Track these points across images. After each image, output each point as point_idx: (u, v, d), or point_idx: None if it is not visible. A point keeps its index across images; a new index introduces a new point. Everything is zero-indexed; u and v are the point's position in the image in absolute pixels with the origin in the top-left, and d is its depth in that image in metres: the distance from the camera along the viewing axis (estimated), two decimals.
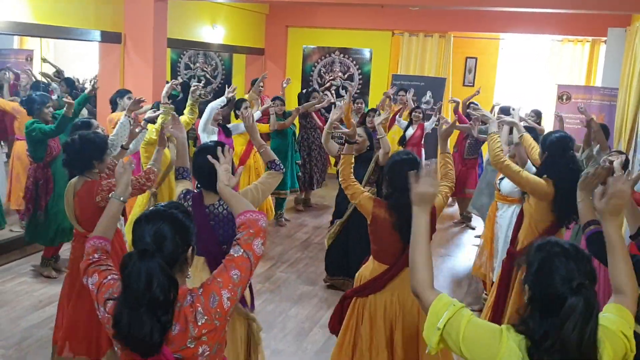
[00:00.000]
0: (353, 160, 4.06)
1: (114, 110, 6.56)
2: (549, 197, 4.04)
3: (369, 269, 3.92)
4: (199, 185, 3.65)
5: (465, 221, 8.95)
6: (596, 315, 1.91)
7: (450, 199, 8.97)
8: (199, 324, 2.11)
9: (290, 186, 8.31)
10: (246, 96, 8.31)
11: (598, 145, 5.78)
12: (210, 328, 2.14)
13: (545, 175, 4.10)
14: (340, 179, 4.03)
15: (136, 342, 2.00)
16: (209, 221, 3.51)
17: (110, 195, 2.79)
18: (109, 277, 2.29)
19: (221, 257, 3.51)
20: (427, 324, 2.06)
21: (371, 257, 3.96)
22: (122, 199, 2.72)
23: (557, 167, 4.07)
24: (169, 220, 2.17)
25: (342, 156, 4.10)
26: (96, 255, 2.42)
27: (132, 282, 2.01)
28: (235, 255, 2.27)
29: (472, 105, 6.28)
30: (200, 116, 6.57)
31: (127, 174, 2.81)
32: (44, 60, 10.67)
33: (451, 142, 9.76)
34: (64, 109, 5.68)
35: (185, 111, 5.95)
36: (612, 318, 2.06)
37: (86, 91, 6.20)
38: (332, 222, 6.19)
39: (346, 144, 4.18)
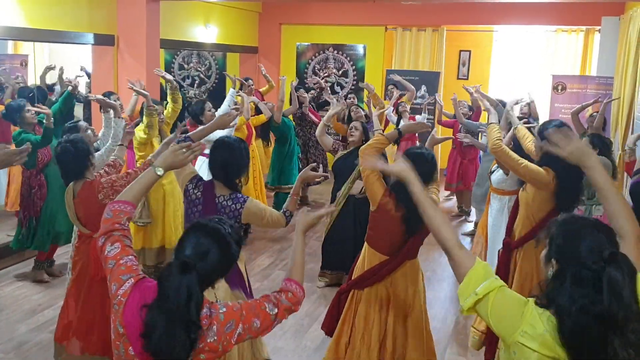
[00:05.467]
0: (382, 146, 3.99)
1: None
2: (549, 187, 3.99)
3: (364, 258, 3.91)
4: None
5: (463, 214, 8.94)
6: (636, 276, 1.88)
7: (448, 193, 9.05)
8: (208, 340, 2.08)
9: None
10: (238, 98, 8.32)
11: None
12: (213, 349, 2.10)
13: (544, 166, 4.06)
14: (361, 150, 3.97)
15: (164, 355, 2.00)
16: (217, 210, 3.54)
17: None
18: (130, 257, 2.23)
19: None
20: (465, 286, 2.04)
21: (365, 245, 3.95)
22: (157, 170, 2.49)
23: (559, 158, 4.00)
24: (222, 247, 2.16)
25: (377, 134, 4.06)
26: (126, 223, 2.33)
27: (172, 295, 1.99)
28: (267, 311, 2.26)
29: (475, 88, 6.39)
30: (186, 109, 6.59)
31: (172, 148, 2.59)
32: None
33: (449, 142, 9.86)
34: (44, 119, 5.68)
35: (168, 100, 5.94)
36: None
37: (69, 89, 6.17)
38: None
39: (383, 135, 4.08)
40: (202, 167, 6.50)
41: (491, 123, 4.31)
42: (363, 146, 3.99)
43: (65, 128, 5.15)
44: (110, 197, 3.87)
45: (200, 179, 3.73)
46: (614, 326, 1.83)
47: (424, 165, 3.66)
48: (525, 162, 3.96)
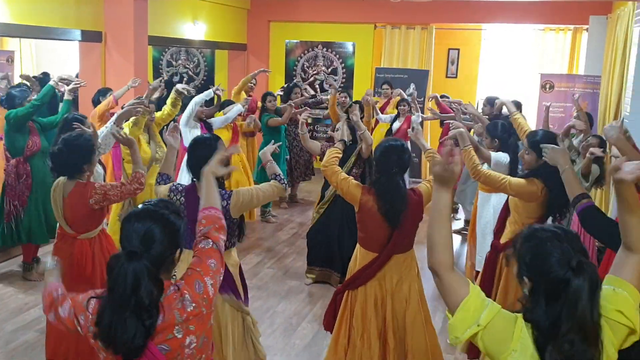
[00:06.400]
0: (339, 155, 4.07)
1: None
2: (538, 199, 3.94)
3: (357, 258, 3.92)
4: (194, 179, 3.63)
5: (452, 212, 8.94)
6: (600, 289, 1.89)
7: None
8: (188, 309, 2.11)
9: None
10: (234, 90, 8.29)
11: (581, 135, 5.85)
12: (197, 314, 2.14)
13: (531, 177, 4.01)
14: (323, 167, 4.00)
15: (118, 344, 2.00)
16: None
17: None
18: (81, 295, 2.27)
19: None
20: (462, 317, 1.93)
21: (358, 245, 3.96)
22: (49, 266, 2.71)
23: (547, 165, 3.95)
24: (159, 221, 2.16)
25: (329, 149, 4.09)
26: (59, 297, 2.40)
27: (119, 284, 2.00)
28: (207, 247, 2.30)
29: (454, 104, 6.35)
30: (183, 111, 6.56)
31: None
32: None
33: (438, 136, 9.88)
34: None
35: (168, 102, 5.94)
36: (609, 293, 1.99)
37: (64, 91, 6.12)
38: None
39: (338, 142, 4.23)
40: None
41: (465, 147, 4.26)
42: (324, 163, 4.00)
43: (67, 120, 5.08)
44: (101, 203, 3.85)
45: (179, 185, 3.65)
46: (553, 334, 1.85)
47: (397, 156, 3.74)
48: (508, 178, 3.95)
